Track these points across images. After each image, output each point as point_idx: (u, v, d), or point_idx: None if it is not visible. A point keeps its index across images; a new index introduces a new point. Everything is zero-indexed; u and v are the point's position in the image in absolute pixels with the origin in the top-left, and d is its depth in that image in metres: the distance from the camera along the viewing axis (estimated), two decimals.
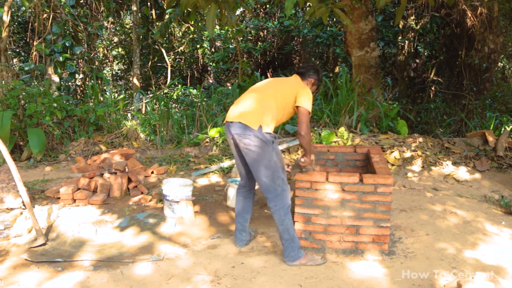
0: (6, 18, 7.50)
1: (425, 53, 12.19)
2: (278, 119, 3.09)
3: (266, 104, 3.01)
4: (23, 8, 9.99)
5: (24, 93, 6.26)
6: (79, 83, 10.12)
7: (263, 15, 12.99)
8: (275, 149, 3.00)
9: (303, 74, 3.24)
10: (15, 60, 12.34)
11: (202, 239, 3.54)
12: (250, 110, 2.98)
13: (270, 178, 2.98)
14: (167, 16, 8.94)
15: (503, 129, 6.93)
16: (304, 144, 3.07)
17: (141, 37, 10.61)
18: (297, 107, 3.05)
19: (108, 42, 13.09)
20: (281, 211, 3.02)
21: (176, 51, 12.53)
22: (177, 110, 7.91)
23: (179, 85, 9.95)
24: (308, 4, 7.39)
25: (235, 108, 3.08)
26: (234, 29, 9.73)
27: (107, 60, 13.29)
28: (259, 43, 12.71)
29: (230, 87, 10.61)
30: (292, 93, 3.07)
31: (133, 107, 8.45)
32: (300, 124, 3.01)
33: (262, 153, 2.93)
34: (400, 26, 10.78)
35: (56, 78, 8.39)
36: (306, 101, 3.02)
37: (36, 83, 7.77)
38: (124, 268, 3.04)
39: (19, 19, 10.75)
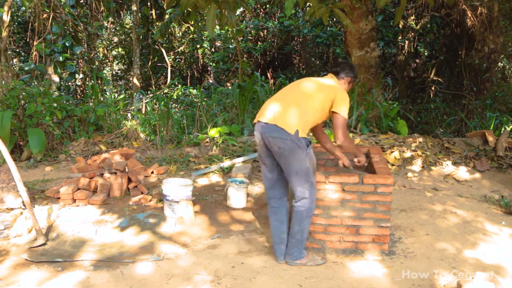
0: (6, 18, 7.50)
1: (425, 53, 12.19)
2: (313, 123, 3.02)
3: (303, 107, 2.91)
4: (23, 8, 10.00)
5: (24, 93, 6.26)
6: (79, 83, 10.12)
7: (263, 15, 12.99)
8: (308, 154, 2.91)
9: (338, 73, 3.14)
10: (15, 60, 12.34)
11: (202, 239, 3.54)
12: (287, 113, 2.88)
13: (301, 181, 2.92)
14: (167, 16, 8.94)
15: (503, 129, 6.93)
16: (348, 151, 3.04)
17: (141, 37, 10.61)
18: (333, 112, 2.97)
19: (108, 42, 13.09)
20: (304, 213, 2.98)
21: (176, 51, 12.53)
22: (177, 110, 7.90)
23: (179, 85, 9.95)
24: (308, 4, 7.39)
25: (270, 108, 2.96)
26: (234, 29, 9.73)
27: (107, 60, 13.29)
28: (259, 43, 12.71)
29: (230, 87, 10.62)
30: (330, 97, 2.96)
31: (133, 107, 8.45)
32: (336, 132, 2.95)
33: (296, 157, 2.86)
34: (400, 26, 10.78)
35: (56, 78, 8.39)
36: (343, 108, 2.93)
37: (36, 83, 7.77)
38: (124, 268, 3.04)
39: (19, 19, 10.75)
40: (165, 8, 9.86)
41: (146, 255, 3.24)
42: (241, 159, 5.54)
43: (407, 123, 7.58)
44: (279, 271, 3.01)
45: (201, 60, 13.25)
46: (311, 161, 2.94)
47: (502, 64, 11.42)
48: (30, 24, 8.65)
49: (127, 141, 6.52)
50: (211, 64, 13.05)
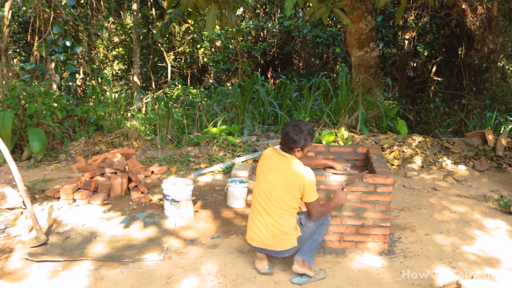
0: (7, 18, 7.51)
1: (425, 53, 12.20)
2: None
3: (280, 218, 2.82)
4: (24, 8, 10.00)
5: (24, 93, 6.26)
6: (79, 83, 10.13)
7: (263, 15, 13.00)
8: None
9: (290, 149, 2.86)
10: (15, 60, 12.34)
11: (203, 239, 3.55)
12: (268, 232, 2.83)
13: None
14: (167, 16, 8.95)
15: (502, 129, 6.94)
16: (328, 212, 2.96)
17: (141, 37, 10.62)
18: (305, 203, 2.87)
19: (108, 42, 13.10)
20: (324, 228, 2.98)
21: (176, 51, 12.54)
22: (177, 110, 7.91)
23: (179, 85, 9.95)
24: (308, 4, 7.41)
25: (251, 230, 2.92)
26: (234, 29, 9.74)
27: (108, 60, 13.30)
28: (259, 43, 12.72)
29: (230, 87, 10.63)
30: (295, 193, 2.81)
31: (133, 107, 8.46)
32: (313, 216, 2.89)
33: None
34: (400, 26, 10.79)
35: (56, 78, 8.40)
36: (313, 194, 2.83)
37: (36, 83, 7.77)
38: (124, 268, 3.05)
39: (19, 19, 10.75)
40: (165, 8, 9.86)
41: (146, 254, 3.25)
42: (241, 159, 5.55)
43: (407, 123, 7.60)
44: (279, 271, 3.02)
45: (201, 60, 13.25)
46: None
47: (501, 64, 11.43)
48: (30, 24, 8.66)
49: (127, 141, 6.53)
50: (211, 64, 13.06)
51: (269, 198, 2.84)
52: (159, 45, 11.62)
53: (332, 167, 3.28)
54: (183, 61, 13.24)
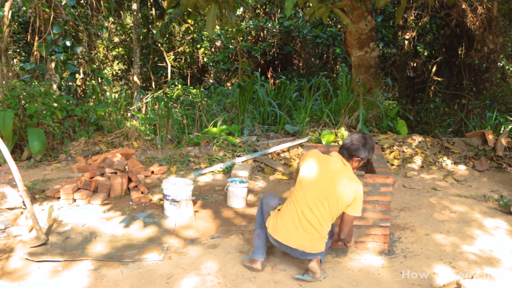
0: (7, 18, 7.51)
1: (425, 53, 12.20)
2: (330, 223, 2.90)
3: (324, 223, 2.81)
4: (24, 8, 10.00)
5: (24, 93, 6.26)
6: (79, 83, 10.13)
7: (263, 15, 13.00)
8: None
9: (350, 156, 2.85)
10: (15, 60, 12.34)
11: (202, 239, 3.55)
12: (306, 234, 2.80)
13: None
14: (167, 16, 8.95)
15: (502, 129, 6.94)
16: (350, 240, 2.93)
17: (141, 37, 10.62)
18: (345, 214, 2.83)
19: (108, 42, 13.10)
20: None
21: (176, 51, 12.54)
22: (177, 110, 7.91)
23: (179, 85, 9.95)
24: (308, 4, 7.41)
25: (285, 227, 2.85)
26: (234, 29, 9.74)
27: (108, 60, 13.30)
28: (259, 43, 12.71)
29: (230, 87, 10.63)
30: (345, 205, 2.78)
31: (133, 107, 8.46)
32: (343, 230, 2.84)
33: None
34: (400, 26, 10.79)
35: (56, 78, 8.40)
36: (358, 209, 2.80)
37: (36, 83, 7.77)
38: (124, 267, 3.05)
39: (19, 19, 10.75)
40: (165, 8, 9.86)
41: (146, 254, 3.25)
42: (241, 159, 5.55)
43: (407, 123, 7.60)
44: (279, 271, 3.02)
45: (201, 60, 13.26)
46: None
47: (501, 64, 11.43)
48: (30, 24, 8.66)
49: (127, 141, 6.54)
50: (211, 64, 13.06)
51: (321, 203, 2.77)
52: (159, 45, 11.62)
53: None
54: (183, 61, 13.24)
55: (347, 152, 2.84)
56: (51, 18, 7.77)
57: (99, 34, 10.02)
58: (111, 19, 11.67)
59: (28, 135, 5.88)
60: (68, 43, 8.07)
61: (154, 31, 10.30)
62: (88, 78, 10.26)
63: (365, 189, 3.16)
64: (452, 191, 4.77)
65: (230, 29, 11.42)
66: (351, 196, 2.76)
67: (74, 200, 4.25)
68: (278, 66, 13.27)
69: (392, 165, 5.50)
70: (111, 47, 13.24)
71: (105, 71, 13.01)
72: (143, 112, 8.17)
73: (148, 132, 7.05)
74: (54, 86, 8.04)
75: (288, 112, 7.23)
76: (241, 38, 12.16)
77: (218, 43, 13.17)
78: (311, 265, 2.83)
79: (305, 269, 2.92)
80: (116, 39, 13.50)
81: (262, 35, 12.80)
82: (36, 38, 8.08)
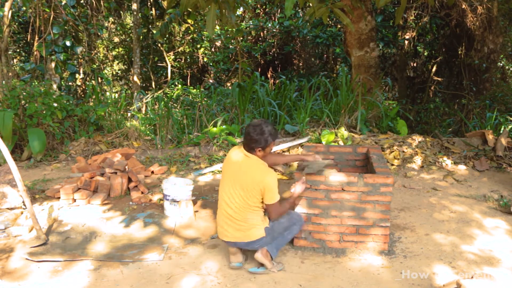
0: (7, 18, 7.51)
1: (425, 53, 12.21)
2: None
3: (245, 214, 2.91)
4: (24, 8, 10.00)
5: (24, 93, 6.27)
6: (79, 83, 10.13)
7: (263, 15, 13.00)
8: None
9: (251, 148, 2.90)
10: (15, 60, 12.34)
11: (202, 238, 3.56)
12: (234, 226, 2.93)
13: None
14: (167, 16, 8.95)
15: (502, 129, 6.93)
16: (286, 211, 3.03)
17: (141, 37, 10.62)
18: (265, 204, 2.93)
19: (108, 42, 13.10)
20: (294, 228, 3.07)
21: (176, 51, 12.55)
22: (177, 110, 7.91)
23: (179, 85, 9.95)
24: (308, 4, 7.41)
25: (220, 225, 3.04)
26: (234, 29, 9.74)
27: (108, 60, 13.30)
28: (259, 43, 12.72)
29: (230, 87, 10.62)
30: (256, 194, 2.87)
31: (133, 107, 8.46)
32: (271, 217, 2.97)
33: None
34: (400, 26, 10.80)
35: (56, 78, 8.40)
36: (272, 197, 2.87)
37: (36, 83, 7.77)
38: (124, 267, 3.05)
39: (19, 19, 10.75)
40: (165, 8, 9.86)
41: (146, 254, 3.25)
42: None
43: (407, 123, 7.60)
44: (279, 271, 3.02)
45: (201, 60, 13.26)
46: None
47: (501, 64, 11.43)
48: (30, 24, 8.66)
49: (127, 141, 6.54)
50: (211, 64, 13.06)
51: (233, 196, 2.92)
52: (159, 45, 11.62)
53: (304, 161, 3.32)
54: (183, 61, 13.24)
55: (246, 145, 2.91)
56: (51, 18, 7.77)
57: (99, 34, 10.02)
58: (111, 19, 11.67)
59: (28, 135, 5.88)
60: (68, 43, 8.07)
61: (154, 31, 10.30)
62: (88, 78, 10.25)
63: (365, 189, 3.16)
64: (452, 191, 4.77)
65: (230, 29, 11.42)
66: (256, 186, 2.84)
67: (74, 200, 4.25)
68: (278, 66, 13.27)
69: (392, 165, 5.50)
70: (111, 47, 13.23)
71: (105, 71, 13.01)
72: (143, 112, 8.17)
73: (148, 132, 7.05)
74: (54, 86, 8.03)
75: (288, 112, 7.23)
76: (241, 38, 12.16)
77: (218, 43, 13.17)
78: (255, 256, 2.95)
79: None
80: (116, 39, 13.50)
81: (262, 35, 12.80)
82: (36, 38, 8.08)
